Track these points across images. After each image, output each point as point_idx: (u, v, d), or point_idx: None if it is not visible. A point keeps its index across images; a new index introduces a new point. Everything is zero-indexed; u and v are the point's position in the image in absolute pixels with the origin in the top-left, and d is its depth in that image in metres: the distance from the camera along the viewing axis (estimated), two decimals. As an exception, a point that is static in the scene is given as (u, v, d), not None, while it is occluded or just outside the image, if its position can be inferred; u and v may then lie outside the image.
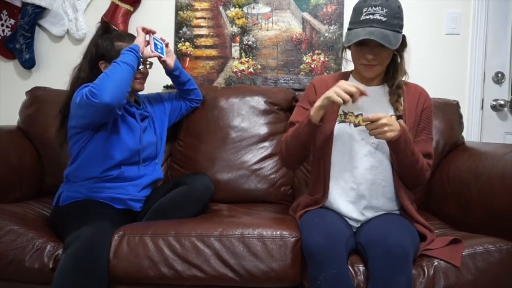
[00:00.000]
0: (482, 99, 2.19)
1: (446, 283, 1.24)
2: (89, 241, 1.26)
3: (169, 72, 1.76)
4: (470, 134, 2.17)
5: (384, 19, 1.30)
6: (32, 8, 2.14)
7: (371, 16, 1.31)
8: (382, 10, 1.30)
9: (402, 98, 1.43)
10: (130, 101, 1.65)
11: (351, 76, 1.51)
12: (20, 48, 2.18)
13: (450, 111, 1.91)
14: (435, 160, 1.81)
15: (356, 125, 1.41)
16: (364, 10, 1.32)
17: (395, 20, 1.32)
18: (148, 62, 1.67)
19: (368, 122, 1.27)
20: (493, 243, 1.31)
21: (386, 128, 1.25)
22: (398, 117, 1.39)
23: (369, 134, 1.29)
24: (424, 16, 2.17)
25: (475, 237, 1.38)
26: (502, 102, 2.17)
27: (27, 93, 2.01)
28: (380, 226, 1.30)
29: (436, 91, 2.05)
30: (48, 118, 1.91)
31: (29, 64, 2.21)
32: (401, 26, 1.35)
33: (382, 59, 1.37)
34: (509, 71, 2.20)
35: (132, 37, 1.61)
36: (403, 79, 1.45)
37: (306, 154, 1.47)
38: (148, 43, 1.60)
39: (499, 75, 2.19)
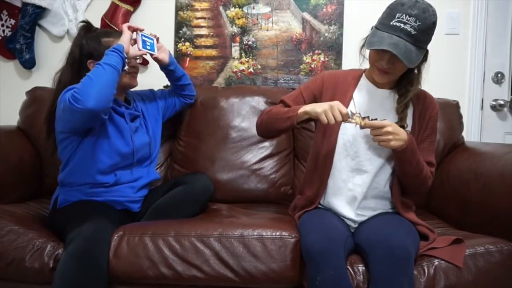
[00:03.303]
0: (482, 99, 2.19)
1: (447, 283, 1.24)
2: (90, 239, 1.26)
3: (164, 67, 1.71)
4: (470, 134, 2.17)
5: (413, 32, 1.21)
6: (32, 8, 2.14)
7: (402, 25, 1.21)
8: (415, 22, 1.21)
9: (408, 109, 1.39)
10: (119, 101, 1.58)
11: (363, 75, 1.47)
12: (20, 48, 2.17)
13: (450, 111, 1.91)
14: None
15: (362, 127, 1.35)
16: (397, 15, 1.22)
17: (424, 36, 1.24)
18: (137, 57, 1.58)
19: (373, 128, 1.25)
20: (494, 243, 1.31)
21: (390, 137, 1.24)
22: (401, 127, 1.35)
23: (373, 140, 1.28)
24: (424, 16, 2.17)
25: (476, 237, 1.38)
26: (502, 102, 2.17)
27: (27, 93, 2.01)
28: (381, 227, 1.29)
29: (436, 91, 2.05)
30: (48, 118, 1.92)
31: (29, 64, 2.20)
32: (428, 42, 1.28)
33: (397, 69, 1.31)
34: (509, 71, 2.20)
35: (119, 34, 1.52)
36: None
37: (278, 136, 1.54)
38: (135, 41, 1.55)
39: (499, 75, 2.19)
